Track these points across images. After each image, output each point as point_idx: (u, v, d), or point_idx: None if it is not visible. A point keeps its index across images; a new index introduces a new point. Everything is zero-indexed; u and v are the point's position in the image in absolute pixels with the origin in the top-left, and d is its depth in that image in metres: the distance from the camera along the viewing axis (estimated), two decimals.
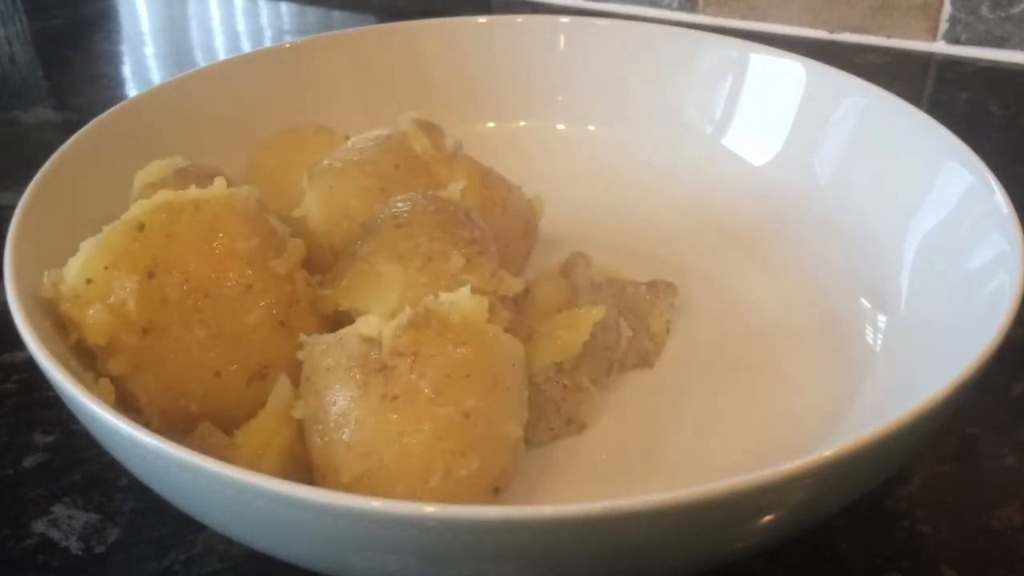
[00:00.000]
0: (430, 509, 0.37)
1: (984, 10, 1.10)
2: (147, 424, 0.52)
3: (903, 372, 0.55)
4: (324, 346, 0.50)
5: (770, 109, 0.77)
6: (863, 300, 0.64)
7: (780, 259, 0.67)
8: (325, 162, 0.61)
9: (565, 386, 0.57)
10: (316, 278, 0.57)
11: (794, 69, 0.76)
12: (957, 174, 0.61)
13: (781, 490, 0.39)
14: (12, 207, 0.56)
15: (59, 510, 0.55)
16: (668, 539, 0.40)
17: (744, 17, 1.21)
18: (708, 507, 0.38)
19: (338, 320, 0.55)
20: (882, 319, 0.62)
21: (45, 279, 0.52)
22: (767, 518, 0.41)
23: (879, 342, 0.60)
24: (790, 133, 0.76)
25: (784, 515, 0.42)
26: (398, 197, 0.57)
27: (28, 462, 0.58)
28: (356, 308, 0.54)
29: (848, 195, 0.70)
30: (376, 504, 0.38)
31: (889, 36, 1.15)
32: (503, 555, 0.39)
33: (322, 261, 0.60)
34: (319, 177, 0.60)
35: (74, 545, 0.53)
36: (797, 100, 0.76)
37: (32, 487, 0.57)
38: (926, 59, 1.13)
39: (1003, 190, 0.57)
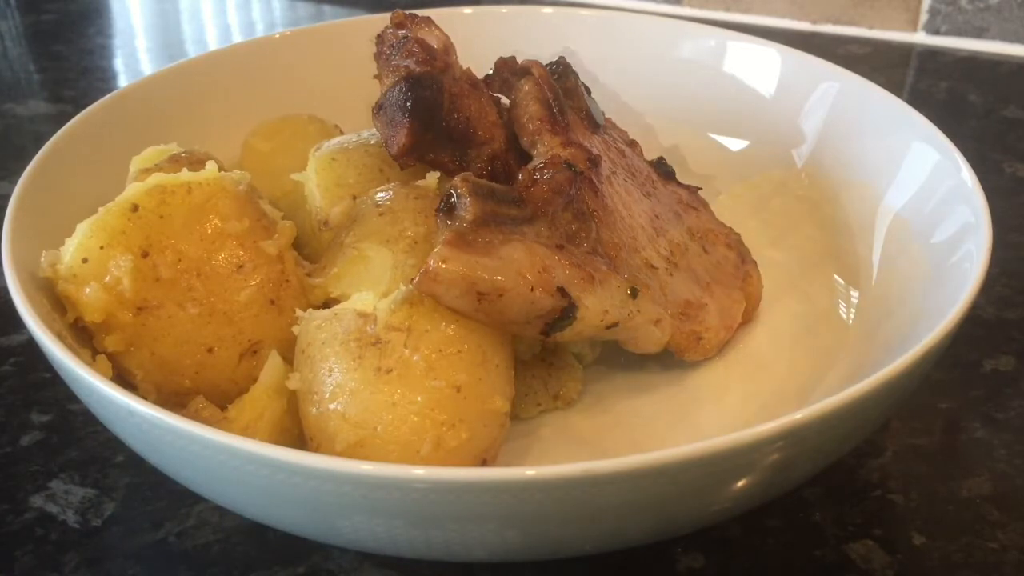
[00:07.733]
0: (419, 472, 0.39)
1: (963, 1, 1.11)
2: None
3: (875, 344, 0.57)
4: (320, 320, 0.51)
5: (747, 95, 0.78)
6: (837, 277, 0.66)
7: (757, 239, 0.68)
8: (334, 141, 0.63)
9: (552, 364, 0.58)
10: (305, 268, 0.58)
11: (770, 56, 0.78)
12: (925, 153, 0.62)
13: (754, 452, 0.41)
14: (7, 196, 0.57)
15: (56, 485, 0.56)
16: (645, 502, 0.42)
17: (728, 9, 1.22)
18: (683, 469, 0.39)
19: (328, 308, 0.56)
20: (855, 294, 0.63)
21: (43, 259, 0.53)
22: (742, 481, 0.43)
23: (852, 316, 0.62)
24: (767, 118, 0.77)
25: (758, 478, 0.43)
26: (378, 188, 0.59)
27: (25, 440, 0.60)
28: (347, 295, 0.55)
29: (823, 176, 0.72)
30: (366, 467, 0.39)
31: (871, 27, 1.17)
32: (486, 516, 0.41)
33: (312, 244, 0.61)
34: (325, 150, 0.63)
35: (71, 518, 0.54)
36: (773, 85, 0.77)
37: (30, 464, 0.58)
38: (907, 49, 1.14)
39: (969, 167, 0.58)
